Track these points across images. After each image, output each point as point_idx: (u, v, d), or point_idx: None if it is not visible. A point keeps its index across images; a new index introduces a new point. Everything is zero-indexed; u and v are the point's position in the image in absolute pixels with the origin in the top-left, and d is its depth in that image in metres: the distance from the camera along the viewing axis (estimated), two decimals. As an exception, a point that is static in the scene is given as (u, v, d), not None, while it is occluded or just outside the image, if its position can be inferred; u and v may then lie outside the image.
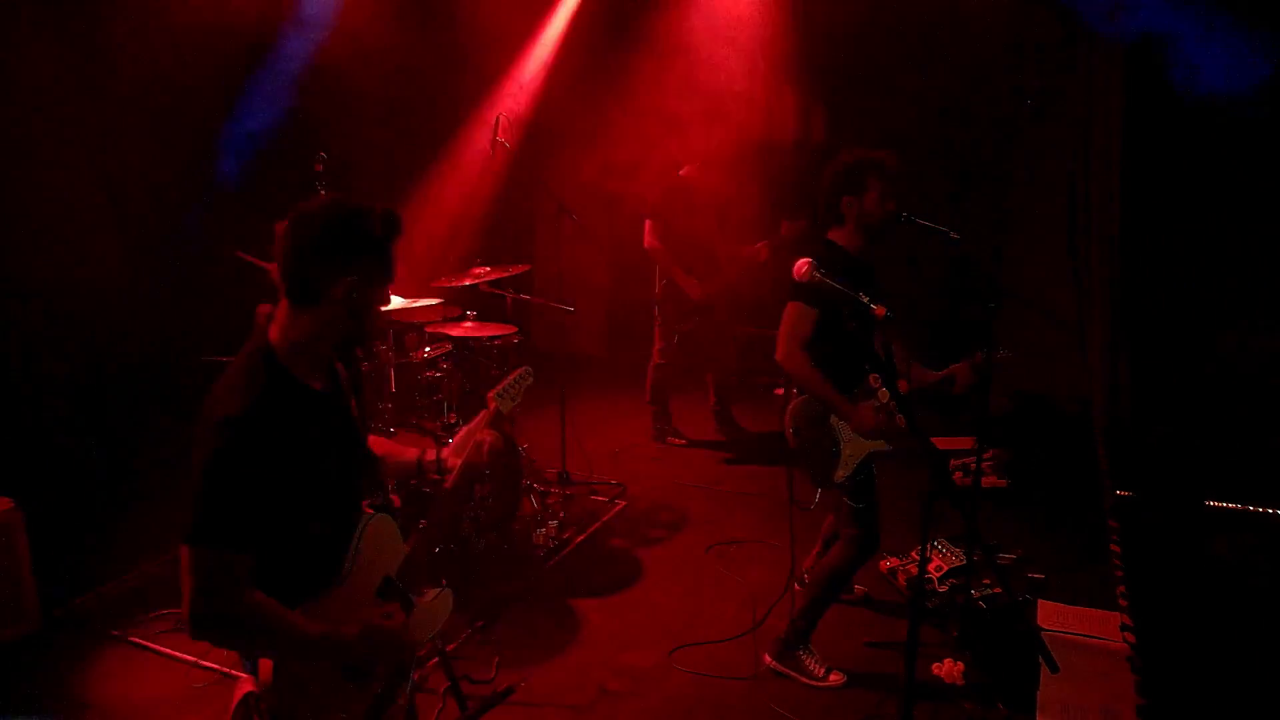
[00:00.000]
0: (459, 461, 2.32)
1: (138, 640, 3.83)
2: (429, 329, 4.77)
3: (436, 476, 2.37)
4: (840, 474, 3.44)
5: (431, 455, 2.38)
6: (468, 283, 4.88)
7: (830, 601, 3.67)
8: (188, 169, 4.89)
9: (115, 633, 3.89)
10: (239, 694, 1.97)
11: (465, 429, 2.42)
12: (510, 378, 2.54)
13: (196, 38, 4.86)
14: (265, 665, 1.90)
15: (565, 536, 4.85)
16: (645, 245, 5.96)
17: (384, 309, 2.12)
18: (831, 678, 3.61)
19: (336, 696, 1.98)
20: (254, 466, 1.83)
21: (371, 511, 2.12)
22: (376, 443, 2.34)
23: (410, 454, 2.40)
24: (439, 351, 4.66)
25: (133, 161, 4.69)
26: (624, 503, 5.36)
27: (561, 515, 4.96)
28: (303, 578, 1.96)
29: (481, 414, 2.42)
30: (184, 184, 4.83)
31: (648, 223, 5.93)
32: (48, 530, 4.00)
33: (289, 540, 1.93)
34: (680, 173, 6.04)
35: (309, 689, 1.93)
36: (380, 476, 2.28)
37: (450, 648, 3.73)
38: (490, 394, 2.45)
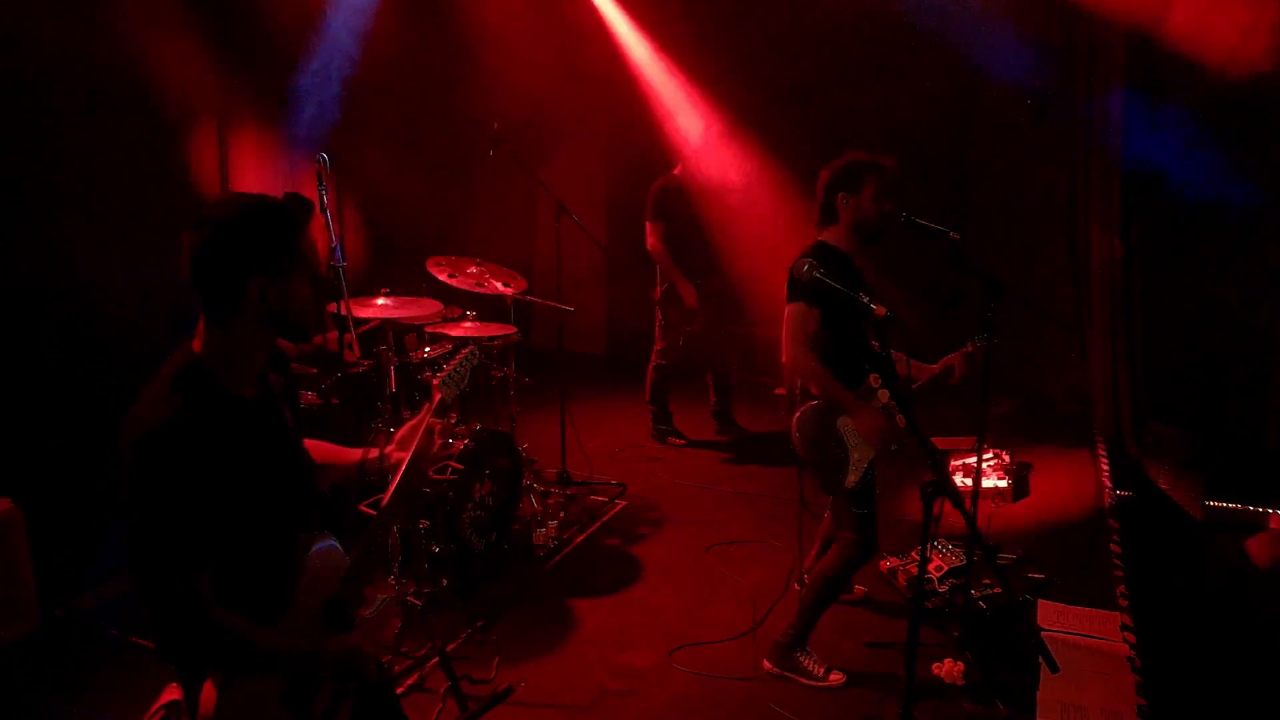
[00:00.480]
0: (405, 455, 2.15)
1: (138, 640, 3.83)
2: (429, 329, 4.77)
3: (379, 475, 2.23)
4: (852, 479, 3.43)
5: (375, 453, 2.24)
6: (468, 285, 4.88)
7: (828, 604, 3.67)
8: (190, 167, 4.89)
9: (115, 632, 3.89)
10: (163, 699, 1.89)
11: (410, 422, 2.27)
12: (454, 361, 2.39)
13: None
14: (208, 698, 1.79)
15: (565, 536, 4.85)
16: (648, 247, 5.97)
17: (322, 294, 2.03)
18: (831, 678, 3.61)
19: None
20: (182, 481, 1.73)
21: (313, 531, 2.02)
22: (315, 447, 2.22)
23: (352, 455, 2.27)
24: (439, 351, 4.66)
25: (133, 160, 4.68)
26: (624, 503, 5.36)
27: (561, 515, 4.96)
28: (251, 607, 1.87)
29: (426, 404, 2.27)
30: (185, 182, 4.83)
31: (648, 225, 5.94)
32: (48, 530, 3.99)
33: (233, 564, 1.85)
34: (674, 171, 6.05)
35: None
36: (321, 486, 2.15)
37: (450, 648, 3.73)
38: (435, 380, 2.31)
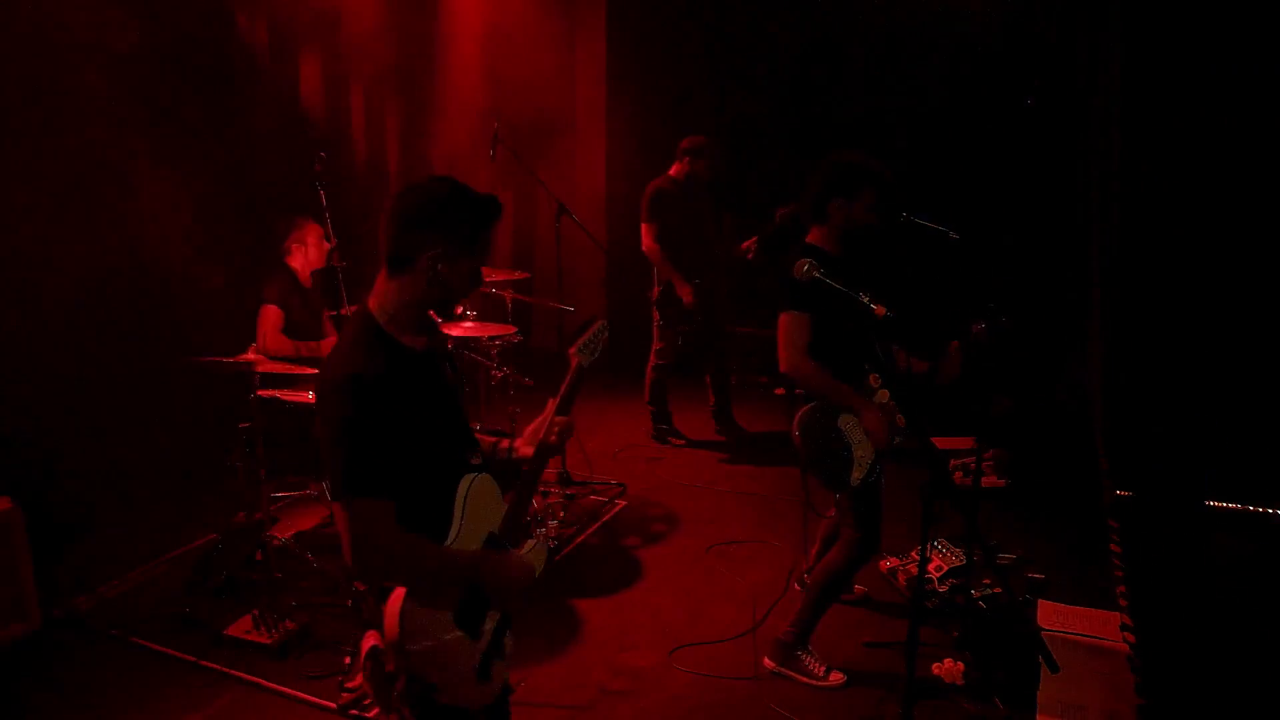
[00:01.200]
0: (529, 450, 2.34)
1: (138, 640, 3.83)
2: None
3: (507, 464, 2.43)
4: (856, 476, 3.40)
5: (505, 444, 2.45)
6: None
7: (831, 602, 3.66)
8: (191, 167, 4.89)
9: (115, 633, 3.89)
10: (366, 646, 2.10)
11: (540, 418, 2.38)
12: (589, 331, 2.48)
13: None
14: (391, 621, 1.98)
15: (565, 536, 4.85)
16: (643, 248, 5.96)
17: (474, 288, 2.19)
18: (832, 678, 3.61)
19: (456, 652, 2.09)
20: (380, 418, 1.96)
21: (472, 473, 2.19)
22: None
23: (484, 442, 2.47)
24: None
25: (133, 163, 4.69)
26: (624, 503, 5.36)
27: (561, 515, 4.96)
28: (424, 533, 2.07)
29: (568, 371, 2.39)
30: (180, 182, 4.83)
31: (643, 225, 5.94)
32: (48, 530, 3.99)
33: (407, 499, 2.04)
34: (670, 172, 6.04)
35: (432, 645, 2.04)
36: (474, 437, 2.35)
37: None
38: (571, 349, 2.42)
